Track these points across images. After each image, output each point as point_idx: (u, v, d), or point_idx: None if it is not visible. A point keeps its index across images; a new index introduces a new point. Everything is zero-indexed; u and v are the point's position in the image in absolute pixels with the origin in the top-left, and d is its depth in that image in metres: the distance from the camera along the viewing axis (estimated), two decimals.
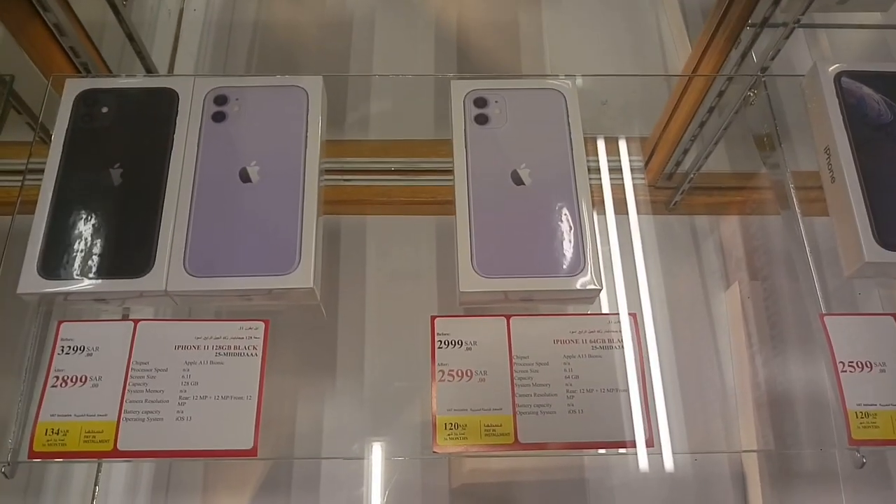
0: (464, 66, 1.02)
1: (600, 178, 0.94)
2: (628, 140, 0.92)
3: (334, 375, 0.79)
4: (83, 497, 0.76)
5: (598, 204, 0.93)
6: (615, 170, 0.94)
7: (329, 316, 0.78)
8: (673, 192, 0.89)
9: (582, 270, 0.56)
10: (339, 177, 0.92)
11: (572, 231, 0.57)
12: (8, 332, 0.61)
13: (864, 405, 0.55)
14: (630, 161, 0.94)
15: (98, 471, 0.75)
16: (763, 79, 0.69)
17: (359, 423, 0.76)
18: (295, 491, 0.77)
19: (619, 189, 0.94)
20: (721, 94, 0.76)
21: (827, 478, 0.75)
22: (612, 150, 0.95)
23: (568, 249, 0.56)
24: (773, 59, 0.68)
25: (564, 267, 0.56)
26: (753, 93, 0.71)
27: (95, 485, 0.76)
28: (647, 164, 0.92)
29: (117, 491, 0.75)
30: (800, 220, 0.64)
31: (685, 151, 0.87)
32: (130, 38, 0.77)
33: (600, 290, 0.56)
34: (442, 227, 0.89)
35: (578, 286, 0.55)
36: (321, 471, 0.78)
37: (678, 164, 0.89)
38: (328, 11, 1.05)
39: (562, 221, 0.57)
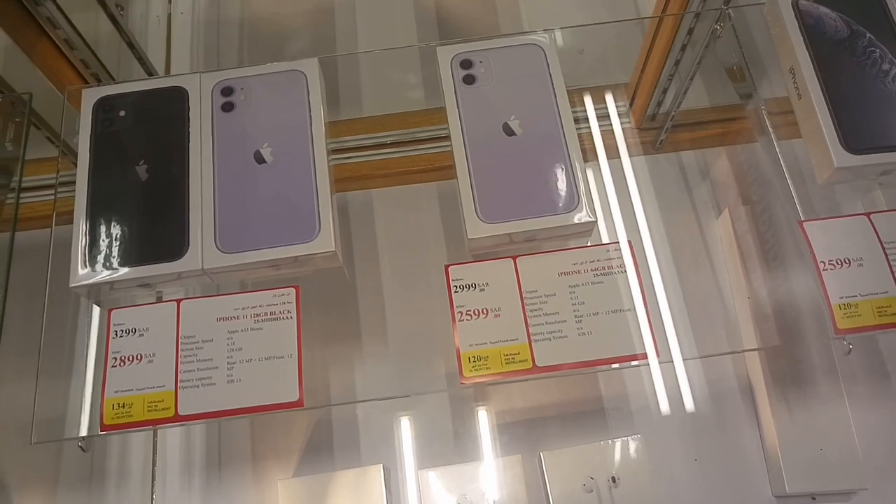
0: (445, 35, 1.06)
1: (589, 126, 0.99)
2: (611, 87, 0.96)
3: (360, 336, 0.84)
4: (143, 480, 0.82)
5: (590, 150, 0.98)
6: (602, 116, 0.99)
7: (350, 286, 0.84)
8: (658, 131, 0.94)
9: (577, 206, 0.61)
10: (340, 156, 0.97)
11: (564, 172, 0.62)
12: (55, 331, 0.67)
13: (846, 297, 0.60)
14: (616, 106, 0.99)
15: (154, 453, 0.81)
16: (727, 11, 0.74)
17: (387, 371, 0.82)
18: (337, 450, 0.83)
19: (607, 134, 0.99)
20: (691, 31, 0.81)
21: (824, 372, 0.81)
22: (598, 99, 1.00)
23: (562, 189, 0.61)
24: None
25: (561, 205, 0.61)
26: (720, 26, 0.75)
27: (153, 466, 0.82)
28: (630, 107, 0.96)
29: (174, 469, 0.81)
30: (774, 143, 0.69)
31: (664, 91, 0.92)
32: (131, 45, 0.81)
33: (594, 221, 0.61)
34: (443, 191, 0.95)
35: (575, 220, 0.60)
36: (359, 429, 0.84)
37: (660, 104, 0.94)
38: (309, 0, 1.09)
39: (554, 164, 0.62)
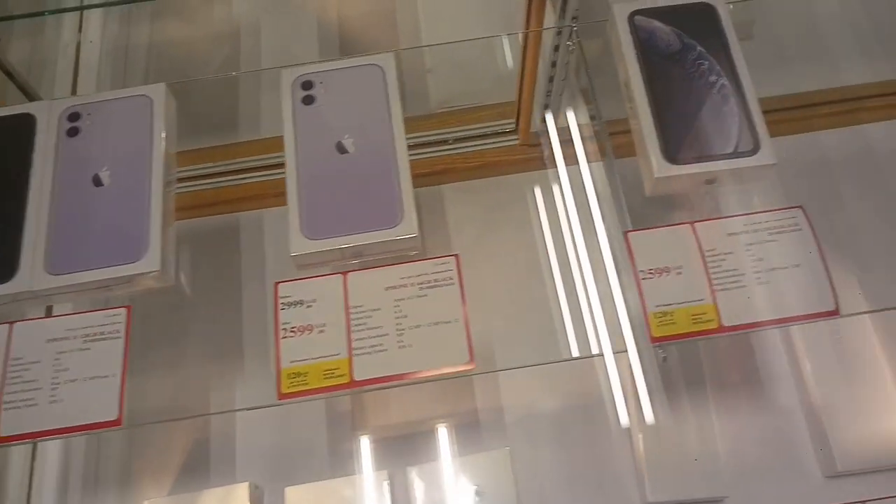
0: (347, 53, 1.08)
1: (475, 146, 1.01)
2: (499, 104, 0.98)
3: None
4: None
5: (482, 168, 1.00)
6: (490, 135, 1.01)
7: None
8: (540, 148, 0.95)
9: (400, 222, 0.62)
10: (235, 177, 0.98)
11: (390, 189, 0.63)
12: None
13: (662, 305, 0.60)
14: (504, 126, 1.00)
15: (31, 470, 0.82)
16: (574, 28, 0.75)
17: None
18: (214, 467, 0.84)
19: (494, 153, 1.01)
20: (557, 48, 0.82)
21: (688, 382, 0.81)
22: (487, 117, 1.02)
23: (386, 205, 0.62)
24: (577, 8, 0.73)
25: (384, 221, 0.62)
26: (570, 43, 0.76)
27: (29, 488, 0.83)
28: (517, 124, 0.98)
29: (50, 488, 0.82)
30: (612, 161, 0.70)
31: (546, 107, 0.93)
32: (10, 74, 0.84)
33: (416, 236, 0.62)
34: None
35: (397, 236, 0.61)
36: (235, 445, 0.85)
37: (544, 121, 0.95)
38: (216, 23, 1.11)
39: (381, 182, 0.63)
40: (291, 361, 0.60)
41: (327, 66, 0.68)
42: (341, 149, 0.64)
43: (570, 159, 0.94)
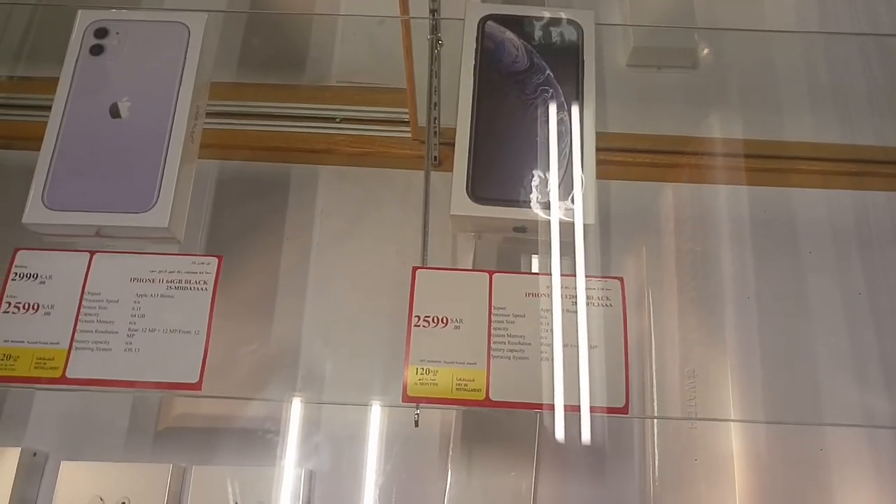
0: (258, 5, 0.99)
1: (365, 130, 0.92)
2: (402, 90, 0.89)
3: None
4: None
5: (367, 156, 0.91)
6: (383, 121, 0.92)
7: None
8: (429, 146, 0.86)
9: (152, 208, 0.54)
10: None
11: (152, 169, 0.55)
12: None
13: (428, 361, 0.52)
14: (399, 114, 0.92)
15: None
16: (433, 21, 0.66)
17: None
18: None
19: (385, 142, 0.92)
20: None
21: (518, 441, 0.74)
22: (385, 101, 0.93)
23: (144, 186, 0.55)
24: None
25: (134, 204, 0.54)
26: (430, 37, 0.67)
27: None
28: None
29: None
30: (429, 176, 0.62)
31: (435, 104, 0.84)
32: None
33: (166, 227, 0.54)
34: None
35: (144, 223, 0.54)
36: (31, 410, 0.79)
37: (436, 119, 0.86)
38: None
39: (146, 159, 0.56)
40: (6, 340, 0.54)
41: (128, 16, 0.60)
42: (115, 112, 0.57)
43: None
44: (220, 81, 0.89)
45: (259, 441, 0.76)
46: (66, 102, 0.57)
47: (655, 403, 0.77)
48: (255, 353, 0.79)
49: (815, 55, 0.94)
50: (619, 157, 0.88)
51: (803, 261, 0.85)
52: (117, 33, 0.60)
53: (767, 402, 0.78)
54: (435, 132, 0.84)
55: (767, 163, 0.89)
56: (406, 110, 0.90)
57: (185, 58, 0.59)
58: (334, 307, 0.82)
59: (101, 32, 0.59)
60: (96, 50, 0.59)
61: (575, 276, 0.54)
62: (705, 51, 0.97)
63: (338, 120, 0.91)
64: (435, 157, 0.88)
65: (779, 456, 0.76)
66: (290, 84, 0.95)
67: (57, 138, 0.56)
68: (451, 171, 0.90)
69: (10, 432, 0.78)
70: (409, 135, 0.90)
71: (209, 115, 0.64)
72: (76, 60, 0.59)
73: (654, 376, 0.78)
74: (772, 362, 0.79)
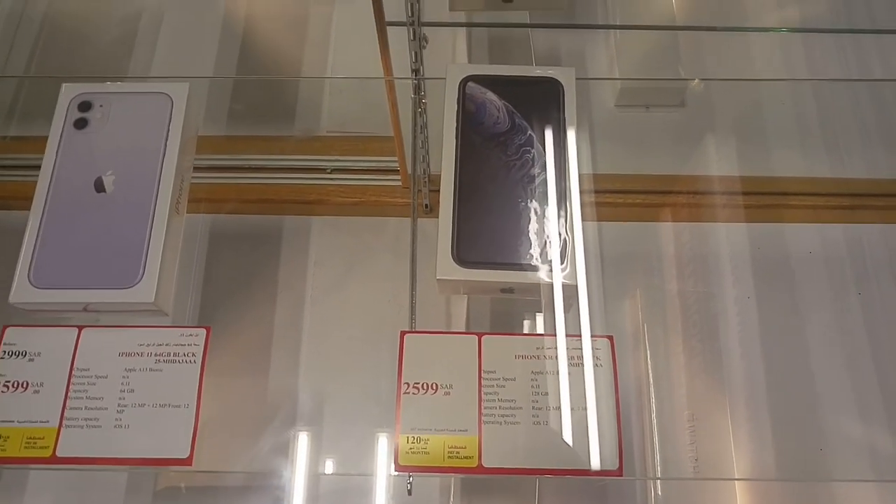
0: (243, 66, 1.00)
1: (356, 179, 0.93)
2: (390, 139, 0.89)
3: None
4: None
5: (359, 205, 0.92)
6: (374, 170, 0.93)
7: None
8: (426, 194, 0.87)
9: (138, 281, 0.54)
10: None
11: (138, 242, 0.55)
12: None
13: (419, 430, 0.52)
14: (389, 163, 0.92)
15: None
16: (415, 82, 0.66)
17: None
18: None
19: (376, 191, 0.92)
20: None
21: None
22: (374, 151, 0.93)
23: (128, 260, 0.55)
24: (416, 60, 0.65)
25: (121, 278, 0.54)
26: (414, 96, 0.68)
27: None
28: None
29: None
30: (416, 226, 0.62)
31: (424, 155, 0.84)
32: None
33: (153, 302, 0.54)
34: None
35: (130, 299, 0.54)
36: None
37: (425, 169, 0.86)
38: (119, 4, 1.04)
39: (131, 232, 0.56)
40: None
41: (112, 88, 0.61)
42: (99, 186, 0.57)
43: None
44: (210, 135, 0.90)
45: (260, 500, 0.75)
46: (52, 177, 0.58)
47: (657, 450, 0.76)
48: (252, 410, 0.79)
49: (802, 90, 0.94)
50: (609, 199, 0.88)
51: (800, 294, 0.85)
52: (101, 106, 0.60)
53: (768, 445, 0.77)
54: (425, 182, 0.85)
55: (760, 199, 0.89)
56: (395, 158, 0.90)
57: (169, 128, 0.59)
58: (329, 358, 0.82)
59: (85, 106, 0.60)
60: (80, 124, 0.59)
61: (564, 336, 0.54)
62: (696, 81, 0.97)
63: (328, 170, 0.92)
64: (426, 205, 0.89)
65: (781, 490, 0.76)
66: (279, 136, 0.95)
67: (42, 214, 0.56)
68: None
69: (9, 495, 0.78)
70: (400, 183, 0.90)
71: (199, 168, 0.64)
72: (60, 134, 0.59)
73: (654, 421, 0.77)
74: (773, 400, 0.79)
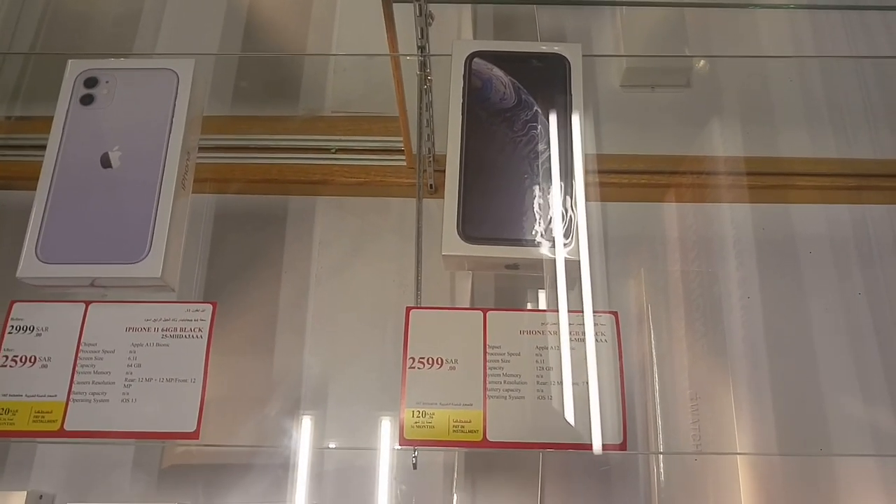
0: (248, 48, 1.00)
1: (360, 159, 0.92)
2: (394, 119, 0.89)
3: None
4: None
5: (364, 185, 0.92)
6: (378, 150, 0.93)
7: None
8: (430, 174, 0.86)
9: (144, 257, 0.54)
10: None
11: (145, 217, 0.55)
12: None
13: (424, 404, 0.52)
14: (394, 143, 0.92)
15: None
16: (421, 58, 0.66)
17: None
18: None
19: (380, 171, 0.92)
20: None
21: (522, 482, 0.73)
22: (378, 131, 0.93)
23: (135, 236, 0.55)
24: (422, 36, 0.64)
25: (128, 253, 0.54)
26: (419, 73, 0.67)
27: None
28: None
29: None
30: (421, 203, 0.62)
31: (430, 134, 0.84)
32: None
33: (159, 277, 0.54)
34: None
35: (137, 273, 0.54)
36: None
37: (430, 148, 0.86)
38: None
39: (137, 207, 0.56)
40: (4, 394, 0.54)
41: (118, 64, 0.61)
42: (105, 162, 0.57)
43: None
44: (214, 115, 0.90)
45: (264, 478, 0.76)
46: (58, 153, 0.58)
47: (660, 431, 0.76)
48: (257, 390, 0.80)
49: (809, 70, 0.94)
50: (615, 179, 0.87)
51: (804, 275, 0.85)
52: (107, 82, 0.60)
53: (770, 424, 0.77)
54: (430, 161, 0.84)
55: (765, 179, 0.88)
56: (399, 138, 0.90)
57: (175, 105, 0.59)
58: (334, 338, 0.83)
59: (91, 82, 0.60)
60: (86, 100, 0.59)
61: (569, 312, 0.54)
62: (701, 62, 0.97)
63: (333, 150, 0.91)
64: (431, 185, 0.89)
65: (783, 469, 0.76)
66: (284, 116, 0.95)
67: (49, 190, 0.57)
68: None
69: (16, 475, 0.78)
70: (405, 163, 0.90)
71: (204, 149, 0.64)
72: (67, 110, 0.59)
73: (657, 400, 0.77)
74: (776, 381, 0.79)
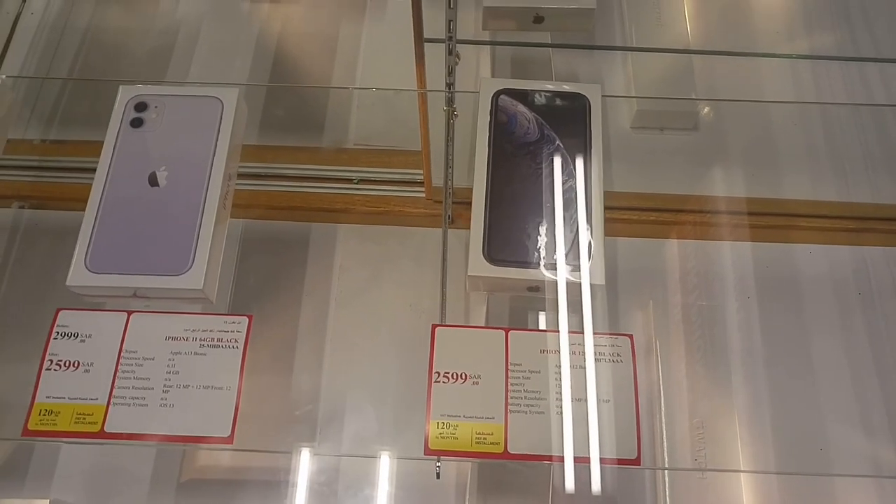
0: (276, 76, 1.05)
1: (381, 190, 0.97)
2: (415, 153, 0.93)
3: None
4: None
5: (384, 215, 0.95)
6: (398, 182, 0.97)
7: None
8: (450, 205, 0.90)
9: (187, 270, 0.58)
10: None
11: (188, 233, 0.59)
12: None
13: (448, 416, 0.55)
14: (414, 175, 0.96)
15: None
16: (448, 94, 0.70)
17: None
18: None
19: (400, 201, 0.96)
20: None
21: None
22: (399, 163, 0.97)
23: (180, 250, 0.58)
24: (450, 74, 0.69)
25: (172, 266, 0.58)
26: (446, 108, 0.71)
27: None
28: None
29: None
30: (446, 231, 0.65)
31: (451, 166, 0.88)
32: None
33: (201, 289, 0.57)
34: None
35: (179, 285, 0.57)
36: None
37: (450, 180, 0.90)
38: (158, 18, 1.09)
39: (182, 223, 0.59)
40: (48, 396, 0.57)
41: (167, 91, 0.65)
42: (153, 181, 0.61)
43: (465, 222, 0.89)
44: (243, 144, 0.94)
45: (280, 493, 0.78)
46: (108, 171, 0.62)
47: (666, 454, 0.79)
48: (277, 406, 0.82)
49: (810, 117, 0.99)
50: (625, 216, 0.91)
51: (805, 313, 0.88)
52: (156, 107, 0.64)
53: (775, 450, 0.80)
54: (449, 193, 0.88)
55: (768, 220, 0.92)
56: (419, 171, 0.94)
57: (219, 129, 0.63)
58: (352, 358, 0.86)
59: (141, 106, 0.64)
60: (136, 123, 0.63)
61: (586, 333, 0.57)
62: (706, 109, 1.02)
63: (355, 181, 0.96)
64: (449, 216, 0.92)
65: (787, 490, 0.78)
66: (309, 146, 0.99)
67: (99, 205, 0.60)
68: (464, 228, 0.95)
69: (37, 484, 0.80)
70: (423, 194, 0.94)
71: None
72: (118, 132, 0.63)
73: (664, 428, 0.80)
74: (778, 412, 0.82)
